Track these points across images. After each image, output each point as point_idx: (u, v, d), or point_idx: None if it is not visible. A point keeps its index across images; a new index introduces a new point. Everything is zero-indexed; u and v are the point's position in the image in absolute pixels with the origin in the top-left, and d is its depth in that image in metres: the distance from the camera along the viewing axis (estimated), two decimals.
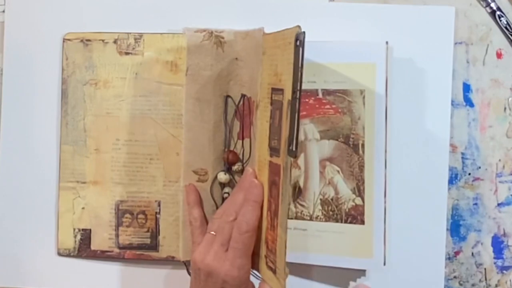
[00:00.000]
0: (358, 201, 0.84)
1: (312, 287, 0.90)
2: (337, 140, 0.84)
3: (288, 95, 0.70)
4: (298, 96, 0.67)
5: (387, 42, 0.85)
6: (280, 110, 0.74)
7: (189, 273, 0.86)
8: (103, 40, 0.89)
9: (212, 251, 0.76)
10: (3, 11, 0.92)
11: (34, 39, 0.91)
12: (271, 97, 0.76)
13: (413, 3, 0.90)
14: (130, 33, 0.89)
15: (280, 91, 0.73)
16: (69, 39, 0.89)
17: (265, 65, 0.80)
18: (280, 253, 0.71)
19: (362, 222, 0.84)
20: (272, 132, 0.76)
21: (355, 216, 0.84)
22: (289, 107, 0.69)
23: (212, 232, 0.78)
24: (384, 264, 0.84)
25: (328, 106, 0.85)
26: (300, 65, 0.68)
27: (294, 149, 0.68)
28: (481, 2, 0.90)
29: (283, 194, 0.71)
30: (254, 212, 0.76)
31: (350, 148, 0.84)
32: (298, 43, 0.68)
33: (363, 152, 0.84)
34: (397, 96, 0.88)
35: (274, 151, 0.75)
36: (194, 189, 0.85)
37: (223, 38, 0.86)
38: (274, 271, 0.74)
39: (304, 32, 0.67)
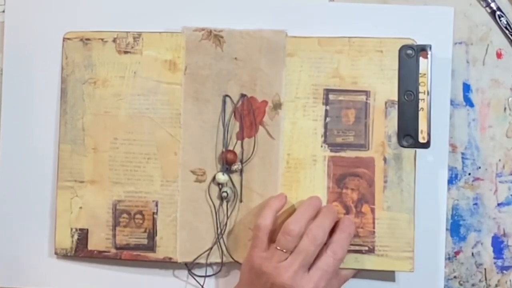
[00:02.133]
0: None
1: None
2: None
3: (383, 96, 0.84)
4: (423, 97, 0.83)
5: None
6: (361, 109, 0.85)
7: (191, 274, 0.89)
8: (102, 39, 0.89)
9: (291, 270, 0.77)
10: (3, 11, 0.92)
11: (34, 38, 0.92)
12: (326, 97, 0.86)
13: (413, 3, 0.90)
14: (129, 32, 0.89)
15: (360, 92, 0.85)
16: (68, 38, 0.90)
17: (300, 67, 0.86)
18: (398, 233, 0.83)
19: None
20: (336, 129, 0.85)
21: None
22: (391, 107, 0.84)
23: (284, 250, 0.78)
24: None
25: None
26: (427, 72, 0.83)
27: (423, 140, 0.83)
28: (481, 2, 0.90)
29: (389, 182, 0.83)
30: (348, 242, 0.80)
31: None
32: (409, 53, 0.83)
33: None
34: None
35: (346, 146, 0.85)
36: (283, 200, 0.85)
37: (222, 37, 0.87)
38: (372, 251, 0.84)
39: (429, 45, 0.83)
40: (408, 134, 0.84)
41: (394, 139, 0.85)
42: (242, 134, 0.88)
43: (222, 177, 0.87)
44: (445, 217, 0.90)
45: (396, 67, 0.85)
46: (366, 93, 0.85)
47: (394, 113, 0.85)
